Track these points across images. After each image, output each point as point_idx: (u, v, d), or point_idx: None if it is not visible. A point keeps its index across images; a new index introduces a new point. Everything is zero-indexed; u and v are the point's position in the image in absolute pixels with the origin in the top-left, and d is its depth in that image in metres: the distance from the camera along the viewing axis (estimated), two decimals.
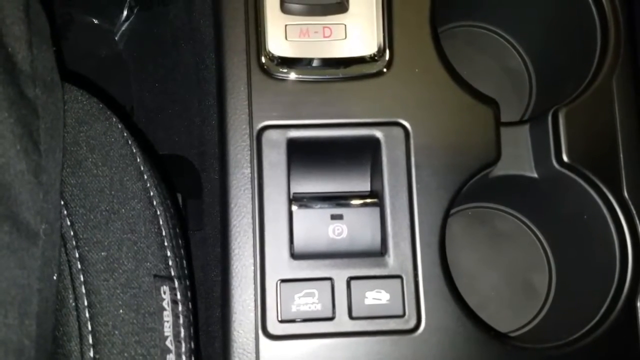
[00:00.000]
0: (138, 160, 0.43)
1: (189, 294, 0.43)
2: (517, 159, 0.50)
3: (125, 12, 0.68)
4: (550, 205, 0.53)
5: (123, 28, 0.68)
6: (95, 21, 0.68)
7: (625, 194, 0.48)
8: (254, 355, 0.43)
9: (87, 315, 0.38)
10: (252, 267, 0.44)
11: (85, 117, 0.42)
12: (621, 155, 0.48)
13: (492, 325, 0.47)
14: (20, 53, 0.37)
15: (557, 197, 0.51)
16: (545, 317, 0.55)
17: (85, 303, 0.39)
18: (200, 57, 0.56)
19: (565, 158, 0.47)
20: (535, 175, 0.50)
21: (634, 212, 0.47)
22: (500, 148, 0.47)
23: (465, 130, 0.47)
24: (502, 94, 0.58)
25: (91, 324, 0.38)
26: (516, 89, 0.60)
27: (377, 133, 0.46)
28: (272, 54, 0.46)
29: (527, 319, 0.55)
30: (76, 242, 0.39)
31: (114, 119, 0.43)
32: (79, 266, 0.39)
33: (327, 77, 0.47)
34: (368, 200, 0.46)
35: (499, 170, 0.49)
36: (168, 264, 0.42)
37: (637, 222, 0.47)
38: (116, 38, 0.68)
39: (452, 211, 0.48)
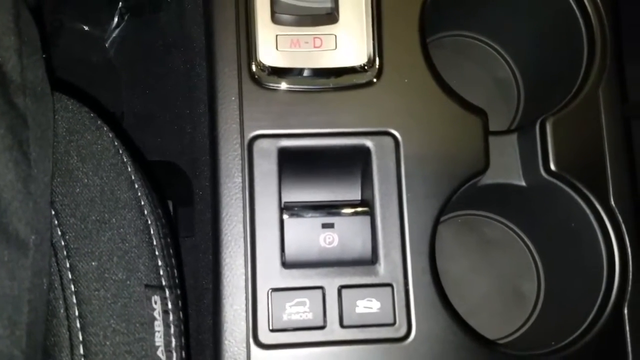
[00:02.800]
0: (129, 169, 0.43)
1: (180, 303, 0.43)
2: (506, 167, 0.50)
3: (116, 19, 0.68)
4: (538, 213, 0.54)
5: (114, 35, 0.68)
6: (86, 28, 0.68)
7: (612, 202, 0.48)
8: None
9: (78, 325, 0.38)
10: (244, 276, 0.44)
11: (75, 127, 0.42)
12: (608, 164, 0.49)
13: (481, 333, 0.48)
14: (10, 63, 0.37)
15: (545, 205, 0.52)
16: (534, 324, 0.55)
17: (76, 313, 0.39)
18: (191, 64, 0.56)
19: (552, 167, 0.48)
20: (524, 183, 0.50)
21: (621, 220, 0.48)
22: (489, 157, 0.48)
23: (454, 139, 0.47)
24: (490, 102, 0.58)
25: (82, 334, 0.38)
26: (504, 98, 0.61)
27: (368, 142, 0.47)
28: (263, 64, 0.46)
29: (516, 326, 0.56)
30: (67, 252, 0.39)
31: (105, 128, 0.43)
32: (70, 276, 0.39)
33: (317, 87, 0.47)
34: (359, 209, 0.46)
35: (488, 178, 0.49)
36: (159, 273, 0.42)
37: (624, 230, 0.48)
38: (107, 45, 0.68)
39: (442, 218, 0.49)
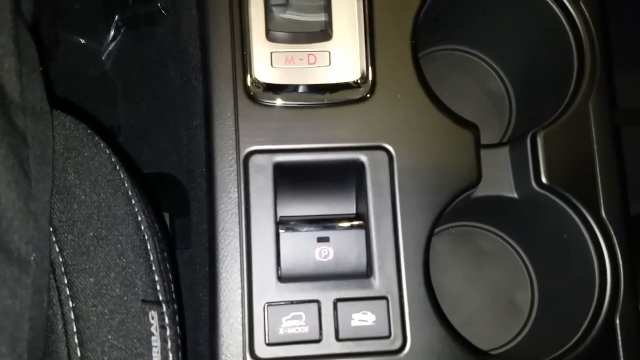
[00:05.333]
0: (126, 185, 0.43)
1: (177, 318, 0.43)
2: (498, 180, 0.51)
3: (112, 32, 0.68)
4: (531, 225, 0.55)
5: (110, 48, 0.68)
6: (82, 41, 0.68)
7: (603, 214, 0.49)
8: None
9: (77, 341, 0.39)
10: (240, 291, 0.45)
11: (73, 144, 0.42)
12: (598, 177, 0.49)
13: (475, 343, 0.48)
14: (10, 84, 0.38)
15: (537, 217, 0.52)
16: (528, 335, 0.56)
17: (74, 329, 0.39)
18: (187, 77, 0.57)
19: (544, 179, 0.49)
20: (516, 195, 0.51)
21: (612, 231, 0.49)
22: (481, 170, 0.49)
23: (447, 153, 0.48)
24: (482, 116, 0.59)
25: (80, 350, 0.39)
26: (496, 111, 0.61)
27: (362, 157, 0.47)
28: (258, 81, 0.47)
29: (510, 337, 0.56)
30: (65, 269, 0.40)
31: (102, 145, 0.44)
32: (68, 292, 0.39)
33: (312, 102, 0.47)
34: (354, 223, 0.47)
35: (481, 191, 0.50)
36: (156, 288, 0.42)
37: (615, 241, 0.49)
38: (103, 57, 0.68)
39: (436, 230, 0.49)
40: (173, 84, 0.63)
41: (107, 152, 0.43)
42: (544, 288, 0.56)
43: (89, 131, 0.44)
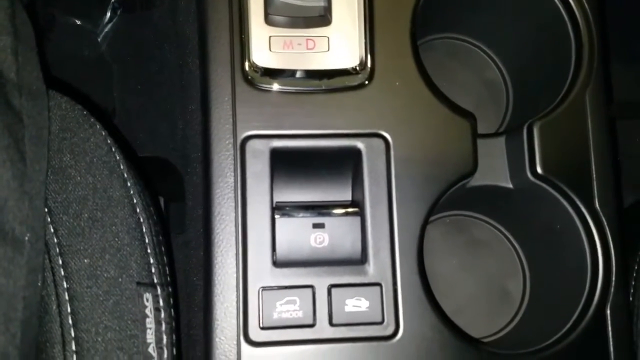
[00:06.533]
0: (122, 167, 0.43)
1: (171, 300, 0.43)
2: (493, 170, 0.51)
3: (108, 14, 0.68)
4: (525, 215, 0.55)
5: (106, 30, 0.68)
6: (78, 22, 0.68)
7: (597, 205, 0.49)
8: None
9: (70, 322, 0.39)
10: (235, 275, 0.45)
11: (69, 125, 0.42)
12: (593, 168, 0.49)
13: (467, 331, 0.49)
14: (6, 62, 0.37)
15: (531, 207, 0.53)
16: (519, 324, 0.56)
17: (69, 310, 0.39)
18: (184, 60, 0.56)
19: (539, 170, 0.49)
20: (511, 185, 0.51)
21: (605, 222, 0.49)
22: (477, 160, 0.49)
23: (444, 142, 0.48)
24: (479, 105, 0.59)
25: (74, 331, 0.39)
26: (493, 101, 0.61)
27: (359, 144, 0.47)
28: (256, 65, 0.47)
29: (502, 325, 0.57)
30: (59, 249, 0.40)
31: (98, 126, 0.43)
32: (63, 273, 0.39)
33: (310, 88, 0.47)
34: (349, 210, 0.47)
35: (476, 180, 0.50)
36: (151, 271, 0.42)
37: (608, 232, 0.49)
38: (99, 39, 0.68)
39: (431, 219, 0.49)
40: (169, 67, 0.63)
41: (103, 133, 0.43)
42: (536, 278, 0.57)
43: (85, 112, 0.43)
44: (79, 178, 0.41)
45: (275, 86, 0.47)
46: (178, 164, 0.61)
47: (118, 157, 0.43)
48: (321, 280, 0.45)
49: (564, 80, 0.52)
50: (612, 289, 0.48)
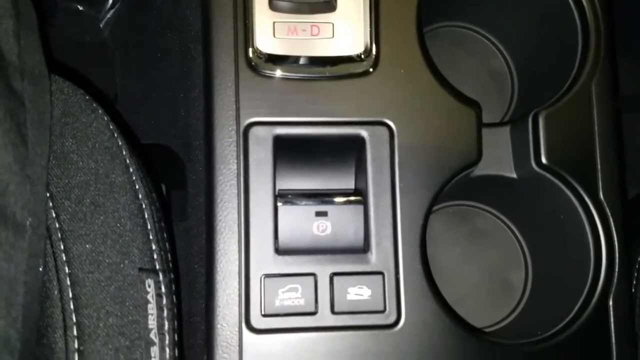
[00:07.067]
0: (124, 152, 0.43)
1: (173, 287, 0.43)
2: (498, 159, 0.51)
3: (110, 0, 0.67)
4: (528, 205, 0.55)
5: (108, 15, 0.67)
6: (80, 7, 0.67)
7: (601, 196, 0.49)
8: (237, 348, 0.44)
9: (72, 307, 0.39)
10: (237, 262, 0.45)
11: (71, 109, 0.42)
12: (598, 159, 0.49)
13: (469, 321, 0.48)
14: (7, 45, 0.37)
15: (535, 198, 0.52)
16: (521, 314, 0.56)
17: (70, 295, 0.39)
18: (187, 47, 0.56)
19: (543, 160, 0.48)
20: (515, 175, 0.51)
21: (609, 214, 0.49)
22: (482, 149, 0.48)
23: (448, 131, 0.48)
24: (484, 94, 0.59)
25: (76, 316, 0.39)
26: (498, 90, 0.61)
27: (362, 132, 0.47)
28: (260, 51, 0.46)
29: (504, 315, 0.57)
30: (61, 235, 0.39)
31: (100, 111, 0.43)
32: (64, 258, 0.39)
33: (314, 75, 0.47)
34: (352, 198, 0.47)
35: (480, 170, 0.50)
36: (153, 257, 0.42)
37: (612, 223, 0.49)
38: (101, 25, 0.67)
39: (434, 209, 0.49)
40: (172, 53, 0.63)
41: (105, 119, 0.43)
42: (538, 268, 0.57)
43: (87, 97, 0.43)
44: (81, 163, 0.41)
45: (279, 73, 0.47)
46: (180, 152, 0.61)
47: (120, 143, 0.43)
48: (323, 268, 0.45)
49: (569, 70, 0.52)
50: (615, 280, 0.48)
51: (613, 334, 0.48)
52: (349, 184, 0.50)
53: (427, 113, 0.48)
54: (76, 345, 0.38)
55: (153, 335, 0.40)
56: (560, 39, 0.54)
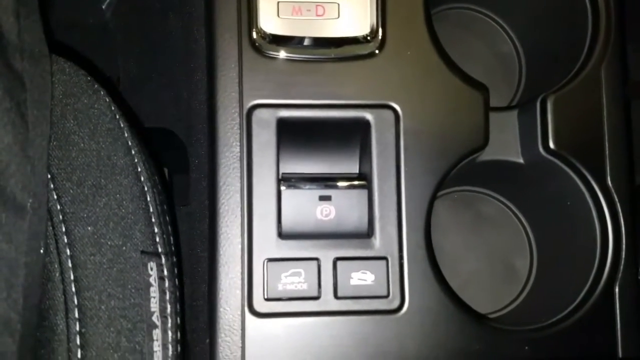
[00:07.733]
0: (126, 134, 0.42)
1: (175, 270, 0.43)
2: (504, 144, 0.50)
3: None
4: (534, 190, 0.54)
5: None
6: None
7: (609, 182, 0.48)
8: (240, 332, 0.44)
9: (74, 289, 0.39)
10: (240, 246, 0.45)
11: (72, 90, 0.41)
12: (606, 144, 0.49)
13: (473, 307, 0.48)
14: (7, 24, 0.36)
15: (541, 183, 0.52)
16: (526, 300, 0.56)
17: (72, 277, 0.39)
18: (189, 29, 0.55)
19: (551, 145, 0.48)
20: (521, 160, 0.50)
21: (617, 200, 0.48)
22: (489, 133, 0.48)
23: (455, 114, 0.47)
24: (492, 78, 0.58)
25: (77, 298, 0.38)
26: (506, 74, 0.60)
27: (368, 115, 0.46)
28: (264, 31, 0.46)
29: (508, 301, 0.57)
30: (63, 216, 0.39)
31: (102, 92, 0.43)
32: (66, 240, 0.39)
33: (318, 56, 0.46)
34: (356, 183, 0.46)
35: (486, 155, 0.49)
36: (155, 240, 0.42)
37: (619, 210, 0.48)
38: (103, 7, 0.67)
39: (439, 194, 0.49)
40: (174, 36, 0.62)
41: (107, 100, 0.42)
42: (544, 254, 0.56)
43: (88, 78, 0.43)
44: (82, 144, 0.41)
45: (283, 54, 0.46)
46: (182, 135, 0.60)
47: (122, 125, 0.42)
48: (327, 253, 0.45)
49: (579, 54, 0.51)
50: (622, 267, 0.48)
51: (619, 321, 0.47)
52: (354, 167, 0.49)
53: (433, 96, 0.47)
54: (78, 328, 0.38)
55: (155, 318, 0.40)
56: (570, 22, 0.53)
